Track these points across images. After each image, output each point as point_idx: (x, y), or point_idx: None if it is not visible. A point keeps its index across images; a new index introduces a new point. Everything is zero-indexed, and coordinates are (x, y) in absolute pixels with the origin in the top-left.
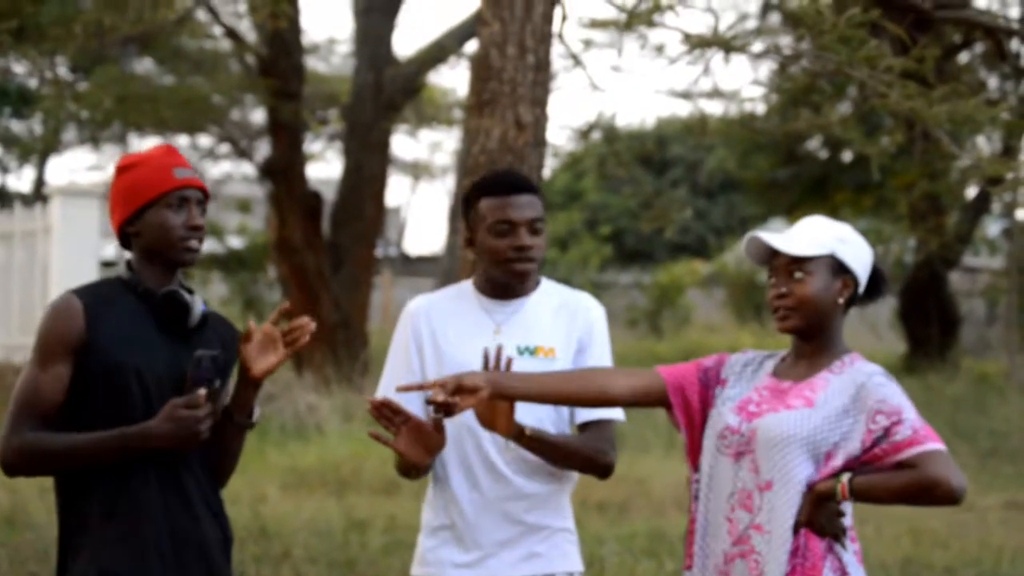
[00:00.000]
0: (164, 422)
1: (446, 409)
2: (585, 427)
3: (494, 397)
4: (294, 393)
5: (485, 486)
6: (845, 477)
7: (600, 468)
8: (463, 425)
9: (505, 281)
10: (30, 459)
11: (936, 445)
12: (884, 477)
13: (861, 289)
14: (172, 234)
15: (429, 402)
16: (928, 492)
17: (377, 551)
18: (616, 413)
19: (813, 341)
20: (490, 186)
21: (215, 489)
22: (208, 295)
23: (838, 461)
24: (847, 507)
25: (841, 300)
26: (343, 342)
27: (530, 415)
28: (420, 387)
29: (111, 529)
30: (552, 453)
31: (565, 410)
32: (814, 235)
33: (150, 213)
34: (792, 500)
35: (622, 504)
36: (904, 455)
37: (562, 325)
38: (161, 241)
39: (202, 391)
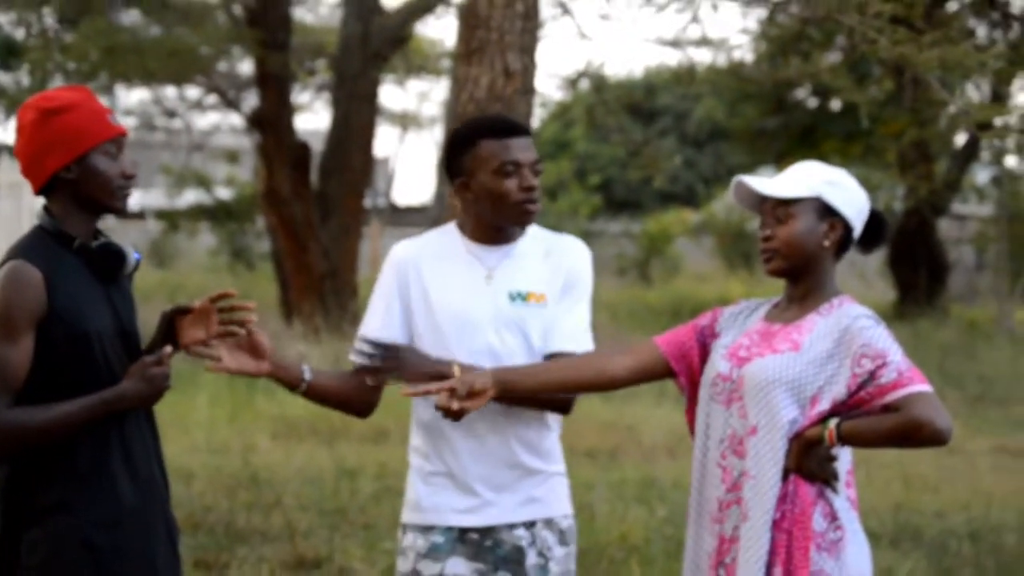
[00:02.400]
0: (137, 381)
1: (455, 416)
2: (550, 359)
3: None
4: (283, 343)
5: (481, 431)
6: (832, 422)
7: (560, 404)
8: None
9: (506, 225)
10: (8, 439)
11: (922, 387)
12: (871, 421)
13: (856, 234)
14: (112, 182)
15: (439, 408)
16: (915, 434)
17: (367, 498)
18: (583, 347)
19: (801, 284)
20: (491, 128)
21: (156, 435)
22: (196, 246)
23: (824, 405)
24: (844, 452)
25: (827, 243)
26: (332, 292)
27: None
28: (427, 392)
29: (79, 494)
30: (520, 399)
31: (537, 356)
32: (801, 178)
33: (90, 159)
34: (777, 445)
35: (612, 450)
36: (890, 398)
37: (550, 270)
38: (100, 189)
39: (168, 349)
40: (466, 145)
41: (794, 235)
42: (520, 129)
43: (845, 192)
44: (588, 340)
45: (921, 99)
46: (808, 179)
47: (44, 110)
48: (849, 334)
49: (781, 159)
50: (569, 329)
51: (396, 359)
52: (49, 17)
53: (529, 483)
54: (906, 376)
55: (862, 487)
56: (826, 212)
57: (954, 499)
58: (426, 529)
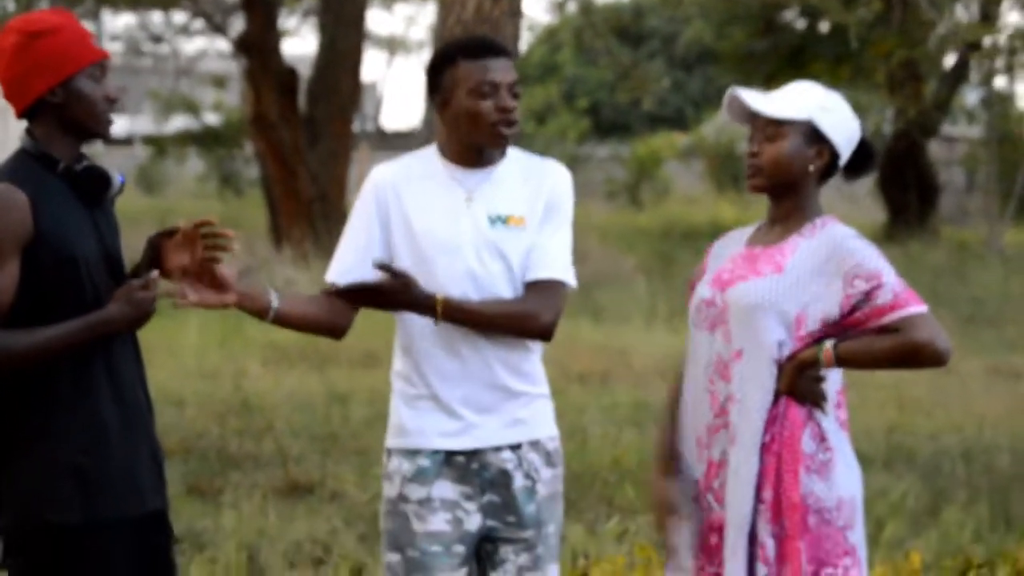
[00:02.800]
0: (124, 305)
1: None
2: (529, 287)
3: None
4: (272, 267)
5: (464, 353)
6: (828, 344)
7: (533, 329)
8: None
9: (482, 146)
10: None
11: (919, 307)
12: (868, 342)
13: (842, 161)
14: (97, 106)
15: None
16: (914, 355)
17: (359, 423)
18: (562, 274)
19: (783, 205)
20: (470, 48)
21: (140, 361)
22: (184, 172)
23: (812, 326)
24: (835, 373)
25: (812, 168)
26: (320, 216)
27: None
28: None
29: (64, 420)
30: (475, 318)
31: (519, 281)
32: (796, 99)
33: (75, 83)
34: (763, 368)
35: (603, 374)
36: (887, 319)
37: (530, 193)
38: (86, 112)
39: (155, 272)
40: (446, 64)
41: (781, 155)
42: (500, 50)
43: (837, 118)
44: (568, 268)
45: (910, 19)
46: (802, 101)
47: (27, 33)
48: (839, 253)
49: (770, 81)
50: (549, 256)
51: (381, 291)
52: None
53: (513, 405)
54: (902, 297)
55: (855, 409)
56: (816, 137)
57: (947, 421)
58: (412, 453)
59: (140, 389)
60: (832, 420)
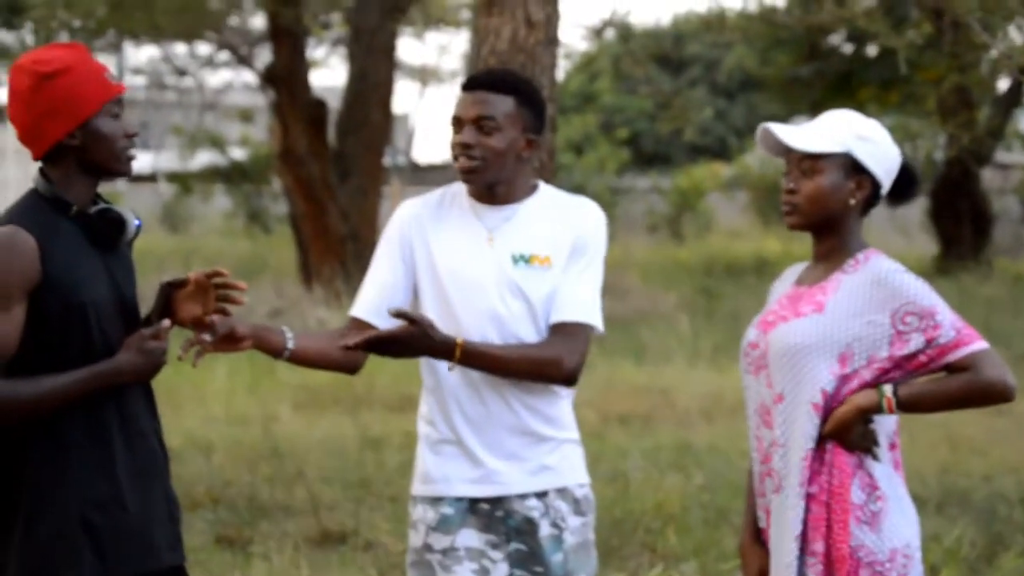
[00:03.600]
0: (134, 355)
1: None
2: (553, 329)
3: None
4: (303, 308)
5: (488, 399)
6: (889, 389)
7: (557, 375)
8: (456, 334)
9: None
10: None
11: (982, 344)
12: (932, 384)
13: (884, 191)
14: (117, 144)
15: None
16: (984, 395)
17: (394, 469)
18: (588, 317)
19: (825, 241)
20: (463, 84)
21: (155, 410)
22: (210, 209)
23: (859, 364)
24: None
25: (853, 201)
26: (352, 254)
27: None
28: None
29: (77, 472)
30: (494, 364)
31: (542, 322)
32: (831, 130)
33: (93, 123)
34: (805, 412)
35: (646, 416)
36: (951, 358)
37: (557, 231)
38: (106, 152)
39: (166, 322)
40: None
41: (819, 191)
42: (476, 82)
43: (876, 148)
44: (595, 311)
45: (962, 43)
46: (838, 132)
47: (40, 74)
48: (885, 289)
49: (816, 108)
50: (575, 298)
51: (398, 340)
52: None
53: (539, 451)
54: (964, 333)
55: (905, 449)
56: (854, 169)
57: (1003, 461)
58: (435, 500)
59: (155, 439)
60: (886, 464)
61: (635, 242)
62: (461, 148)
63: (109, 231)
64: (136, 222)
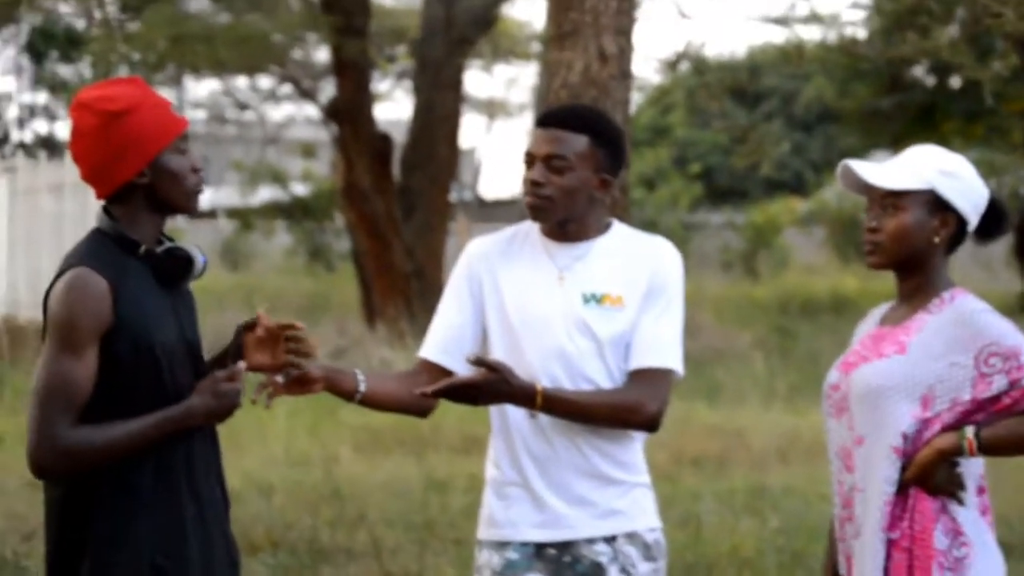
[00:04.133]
0: (208, 398)
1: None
2: (633, 375)
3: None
4: (367, 347)
5: (554, 438)
6: (970, 431)
7: (638, 421)
8: (526, 374)
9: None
10: (69, 460)
11: None
12: (1014, 426)
13: (971, 227)
14: (186, 181)
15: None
16: None
17: (458, 512)
18: (670, 362)
19: (909, 280)
20: (536, 119)
21: (219, 452)
22: (272, 246)
23: (942, 407)
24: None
25: (938, 239)
26: (417, 293)
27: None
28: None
29: (143, 520)
30: (575, 410)
31: (611, 361)
32: (914, 166)
33: (162, 160)
34: (885, 455)
35: (719, 458)
36: None
37: (631, 271)
38: (175, 190)
39: (243, 364)
40: None
41: (902, 229)
42: (550, 118)
43: (961, 183)
44: (676, 354)
45: None
46: (922, 168)
47: (107, 113)
48: (969, 330)
49: (897, 142)
50: (655, 342)
51: (476, 387)
52: (112, 5)
53: (608, 494)
54: None
55: (992, 493)
56: (939, 206)
57: None
58: (501, 545)
59: (217, 484)
60: (972, 509)
61: (709, 279)
62: (531, 185)
63: (177, 270)
64: (202, 259)
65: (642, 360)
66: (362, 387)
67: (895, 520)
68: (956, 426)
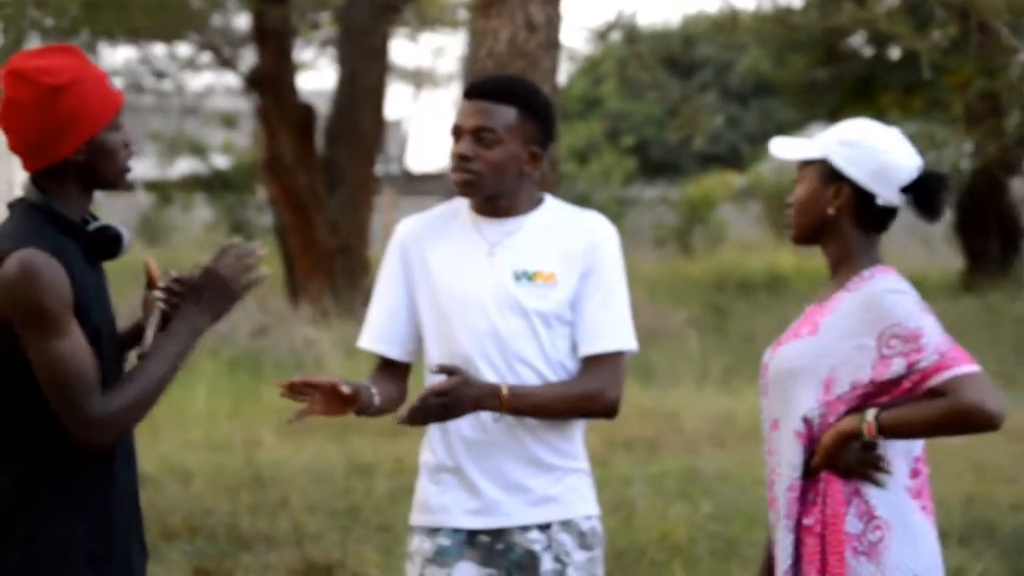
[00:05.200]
0: (213, 296)
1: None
2: (588, 362)
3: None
4: (290, 326)
5: (488, 423)
6: (870, 413)
7: (600, 410)
8: (458, 354)
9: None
10: (117, 426)
11: (967, 367)
12: (913, 409)
13: (880, 200)
14: (120, 159)
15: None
16: (964, 420)
17: (383, 497)
18: (621, 343)
19: (827, 255)
20: (466, 88)
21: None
22: (191, 220)
23: (842, 390)
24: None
25: (832, 210)
26: (342, 269)
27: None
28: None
29: (86, 496)
30: (539, 407)
31: (545, 340)
32: (819, 137)
33: (100, 138)
34: (790, 440)
35: (651, 441)
36: (933, 382)
37: (564, 247)
38: (110, 167)
39: (260, 246)
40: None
41: (799, 200)
42: (478, 90)
43: (857, 152)
44: (627, 334)
45: (989, 46)
46: (823, 138)
47: (47, 87)
48: (875, 310)
49: (835, 114)
50: (605, 325)
51: (444, 395)
52: None
53: (543, 481)
54: (948, 356)
55: (930, 478)
56: (833, 175)
57: None
58: (432, 531)
59: (132, 465)
60: (898, 491)
61: (642, 256)
62: (458, 160)
63: (107, 248)
64: (127, 235)
65: (594, 345)
66: (376, 400)
67: (810, 506)
68: (860, 408)
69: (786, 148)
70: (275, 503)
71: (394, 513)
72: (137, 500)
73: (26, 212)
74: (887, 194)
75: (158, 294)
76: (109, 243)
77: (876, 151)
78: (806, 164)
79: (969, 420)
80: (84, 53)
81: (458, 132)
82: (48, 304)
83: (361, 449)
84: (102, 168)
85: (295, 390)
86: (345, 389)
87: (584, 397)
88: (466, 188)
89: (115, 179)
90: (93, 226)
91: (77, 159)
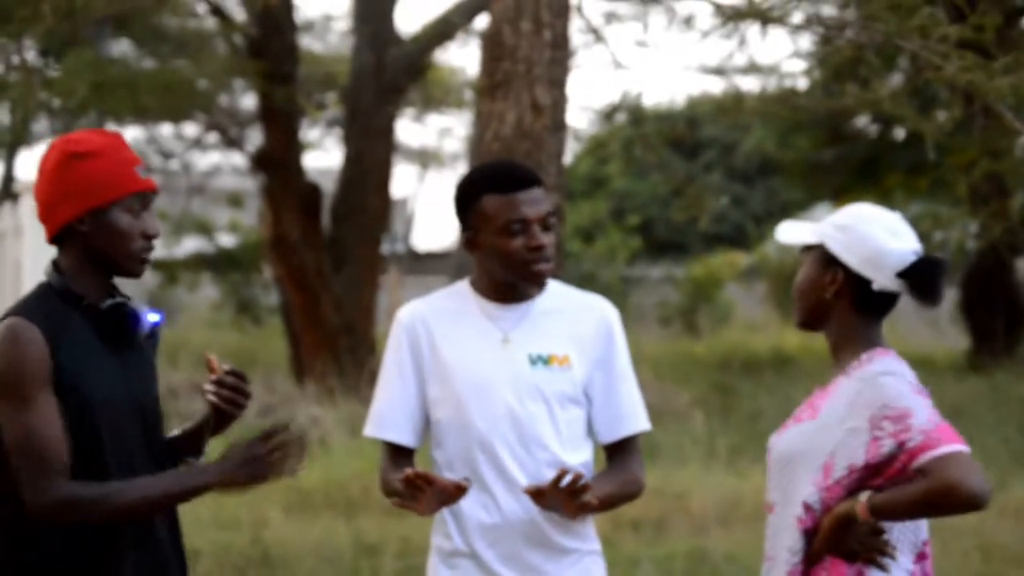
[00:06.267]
0: (238, 463)
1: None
2: (612, 449)
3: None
4: (295, 405)
5: (504, 506)
6: (863, 496)
7: (638, 493)
8: (475, 439)
9: (518, 284)
10: (74, 513)
11: (951, 447)
12: (900, 490)
13: (876, 284)
14: (131, 242)
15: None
16: (945, 499)
17: None
18: (642, 424)
19: (828, 340)
20: (495, 181)
21: (175, 516)
22: (197, 299)
23: (840, 474)
24: (919, 522)
25: (828, 295)
26: (347, 348)
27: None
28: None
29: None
30: (603, 509)
31: (562, 423)
32: (819, 221)
33: (109, 214)
34: (788, 526)
35: (658, 522)
36: (918, 462)
37: (574, 331)
38: (116, 248)
39: (289, 426)
40: (469, 200)
41: (798, 285)
42: (528, 179)
43: (849, 236)
44: (643, 414)
45: (993, 128)
46: (822, 223)
47: (67, 153)
48: (867, 393)
49: (839, 194)
50: (625, 410)
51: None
52: (31, 49)
53: (560, 564)
54: (933, 436)
55: (936, 558)
56: (829, 260)
57: None
58: None
59: (169, 544)
60: (904, 572)
61: (647, 335)
62: (537, 251)
63: (120, 327)
64: (157, 319)
65: (621, 430)
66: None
67: None
68: (857, 492)
69: (788, 232)
70: None
71: None
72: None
73: (39, 288)
74: (882, 279)
75: (208, 387)
76: (123, 321)
77: (868, 236)
78: (807, 248)
79: (950, 499)
80: (123, 140)
81: (527, 223)
82: (15, 371)
83: (368, 529)
84: (106, 246)
85: (414, 483)
86: (465, 484)
87: (629, 483)
88: (545, 279)
89: (123, 262)
90: (106, 304)
91: (82, 229)
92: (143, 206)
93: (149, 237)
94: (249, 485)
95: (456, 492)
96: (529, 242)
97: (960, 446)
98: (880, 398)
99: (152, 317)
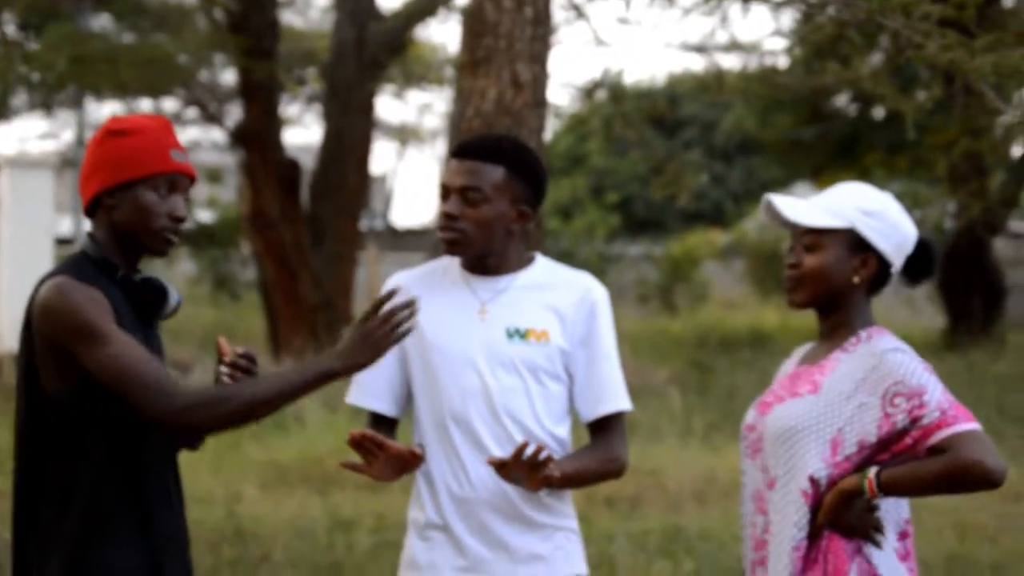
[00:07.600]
0: (360, 345)
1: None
2: (594, 427)
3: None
4: None
5: (475, 478)
6: (872, 471)
7: (618, 472)
8: (447, 410)
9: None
10: (203, 414)
11: (968, 425)
12: (913, 467)
13: (894, 268)
14: (154, 220)
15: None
16: (962, 478)
17: (364, 553)
18: (624, 403)
19: (830, 318)
20: (453, 148)
21: (180, 485)
22: (175, 274)
23: (851, 450)
24: (900, 501)
25: (857, 280)
26: (325, 324)
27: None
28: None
29: (128, 532)
30: (573, 484)
31: (538, 398)
32: (836, 205)
33: (136, 190)
34: (795, 499)
35: (634, 498)
36: (934, 439)
37: (557, 306)
38: (139, 224)
39: (403, 296)
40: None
41: (821, 268)
42: (470, 151)
43: (883, 223)
44: (624, 393)
45: (973, 107)
46: (843, 206)
47: (108, 131)
48: (879, 370)
49: (818, 173)
50: (609, 387)
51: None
52: (10, 24)
53: (531, 539)
54: (949, 414)
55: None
56: (859, 245)
57: (1014, 550)
58: None
59: (181, 515)
60: (890, 553)
61: (625, 313)
62: (445, 219)
63: (153, 301)
64: (177, 298)
65: (599, 409)
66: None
67: (811, 564)
68: (863, 467)
69: (803, 214)
70: (257, 558)
71: (375, 569)
72: (182, 538)
73: (74, 256)
74: (899, 263)
75: (223, 369)
76: (154, 296)
77: (899, 223)
78: (821, 232)
79: (968, 477)
80: (170, 125)
81: (446, 191)
82: (86, 316)
83: (343, 504)
84: (133, 223)
85: (361, 444)
86: (419, 451)
87: (610, 465)
88: (453, 247)
89: (146, 240)
90: (139, 277)
91: (109, 202)
92: (172, 188)
93: (175, 219)
94: (372, 361)
95: (412, 459)
96: (442, 207)
97: (976, 424)
98: (893, 375)
99: (174, 296)
